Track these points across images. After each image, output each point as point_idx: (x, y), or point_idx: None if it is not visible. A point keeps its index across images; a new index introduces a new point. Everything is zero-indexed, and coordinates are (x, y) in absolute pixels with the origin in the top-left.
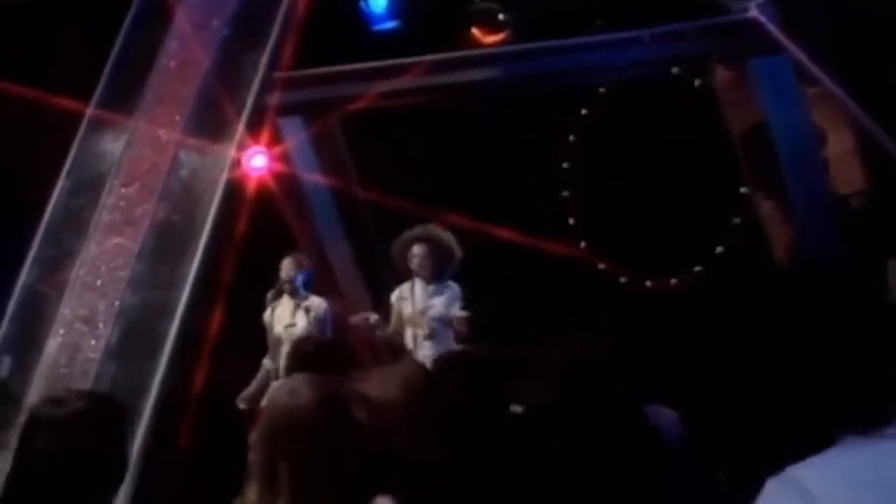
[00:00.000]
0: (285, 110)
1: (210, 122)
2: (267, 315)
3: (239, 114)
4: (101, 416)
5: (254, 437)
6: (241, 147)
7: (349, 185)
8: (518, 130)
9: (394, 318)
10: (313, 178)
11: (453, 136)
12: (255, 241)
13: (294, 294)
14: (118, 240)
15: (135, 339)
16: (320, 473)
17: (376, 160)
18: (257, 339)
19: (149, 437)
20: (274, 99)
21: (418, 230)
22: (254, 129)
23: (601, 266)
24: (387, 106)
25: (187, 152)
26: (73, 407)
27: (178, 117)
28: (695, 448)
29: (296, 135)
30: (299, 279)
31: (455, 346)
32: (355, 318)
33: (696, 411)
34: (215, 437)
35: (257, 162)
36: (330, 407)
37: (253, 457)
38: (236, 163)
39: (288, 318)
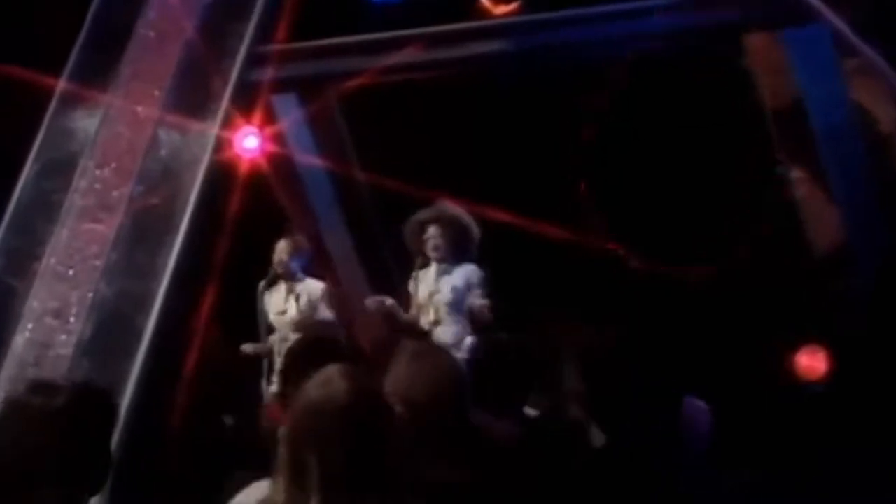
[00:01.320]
0: (279, 87)
1: (193, 97)
2: (266, 298)
3: (224, 89)
4: (91, 408)
5: (283, 431)
6: (227, 125)
7: (349, 167)
8: (532, 108)
9: (412, 307)
10: (310, 160)
11: (461, 114)
12: (246, 228)
13: (289, 279)
14: (92, 225)
15: (110, 334)
16: (353, 469)
17: (378, 141)
18: (249, 332)
19: (125, 440)
20: (266, 74)
21: (432, 209)
22: (241, 105)
23: (621, 253)
24: (389, 82)
25: (168, 131)
26: (62, 398)
27: (157, 92)
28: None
29: (290, 114)
30: (294, 263)
31: (465, 333)
32: (370, 302)
33: (726, 408)
34: (200, 438)
35: (249, 143)
36: (366, 399)
37: (281, 452)
38: (223, 142)
39: (281, 304)
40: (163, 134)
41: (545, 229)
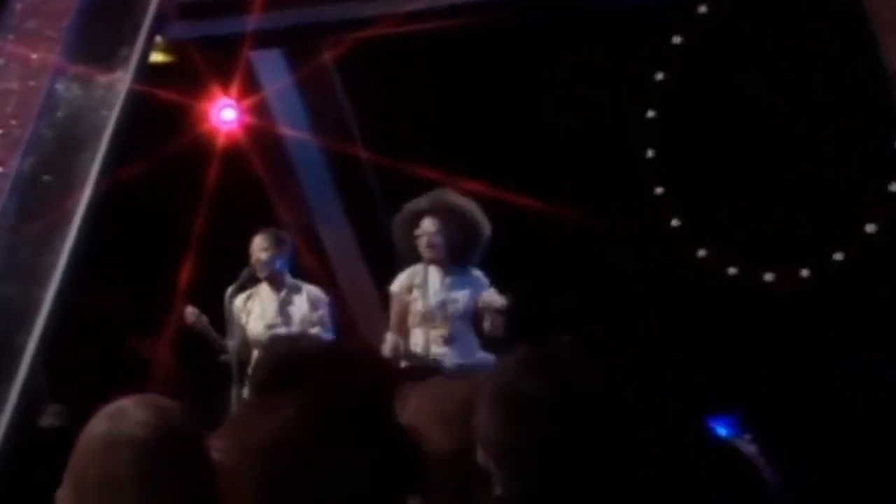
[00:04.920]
0: (259, 42)
1: (101, 41)
2: (238, 303)
3: (138, 28)
4: None
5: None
6: (140, 77)
7: (348, 143)
8: (580, 66)
9: (395, 316)
10: (300, 134)
11: (488, 75)
12: (216, 222)
13: (276, 283)
14: None
15: None
16: None
17: (384, 111)
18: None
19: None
20: (241, 25)
21: (429, 197)
22: (211, 65)
23: (701, 254)
24: (399, 35)
25: (67, 85)
26: None
27: (54, 34)
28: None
29: (276, 76)
30: (279, 263)
31: (476, 348)
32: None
33: (833, 450)
34: None
35: (227, 115)
36: (170, 436)
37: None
38: (138, 100)
39: (272, 315)
40: (61, 89)
41: (597, 222)
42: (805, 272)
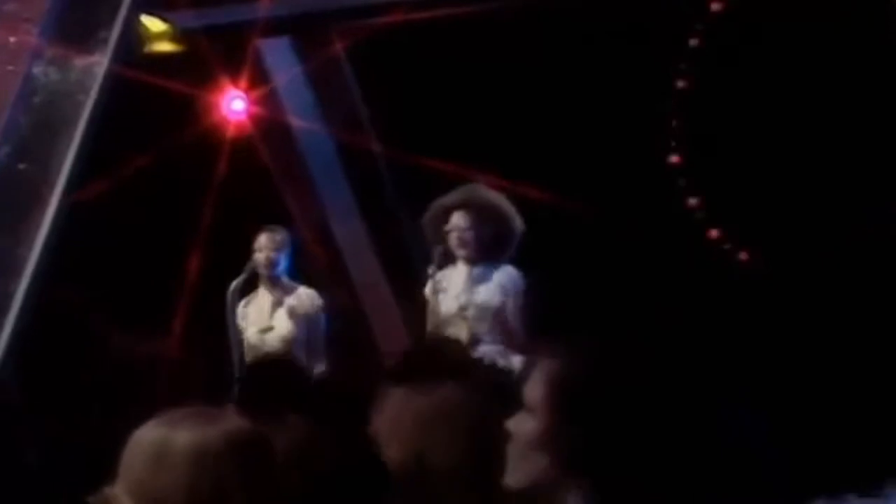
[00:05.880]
0: (269, 31)
1: (79, 23)
2: (240, 311)
3: (116, 10)
4: None
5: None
6: (118, 58)
7: (359, 134)
8: (601, 53)
9: (430, 321)
10: (310, 125)
11: (504, 64)
12: (224, 215)
13: (273, 284)
14: None
15: None
16: None
17: (396, 100)
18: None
19: None
20: (248, 13)
21: (460, 192)
22: (217, 53)
23: (725, 247)
24: (409, 23)
25: (45, 69)
26: None
27: (32, 17)
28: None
29: (285, 66)
30: (281, 265)
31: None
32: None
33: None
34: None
35: (236, 106)
36: (246, 451)
37: None
38: (112, 81)
39: (266, 318)
40: (39, 73)
41: (621, 215)
42: (821, 267)
